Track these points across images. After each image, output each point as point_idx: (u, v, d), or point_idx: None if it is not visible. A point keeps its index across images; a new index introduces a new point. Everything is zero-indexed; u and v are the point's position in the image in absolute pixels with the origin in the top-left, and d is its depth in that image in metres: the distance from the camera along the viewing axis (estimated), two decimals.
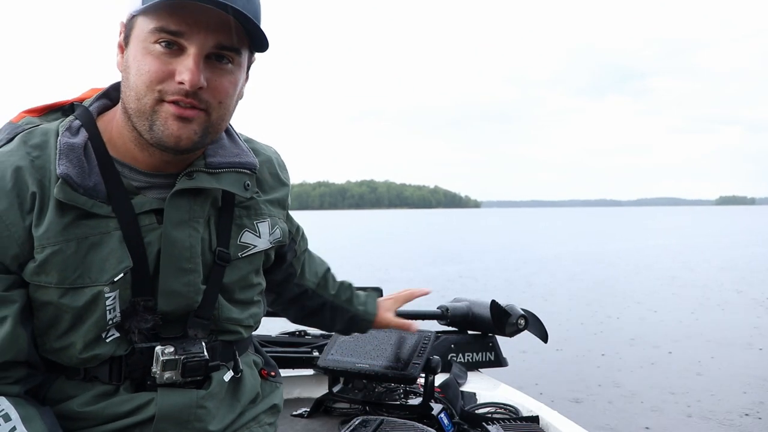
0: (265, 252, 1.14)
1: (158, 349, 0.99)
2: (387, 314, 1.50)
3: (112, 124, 1.00)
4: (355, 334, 1.76)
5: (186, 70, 0.90)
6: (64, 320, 0.95)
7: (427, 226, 57.50)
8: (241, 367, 1.13)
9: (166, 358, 0.99)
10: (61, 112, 1.06)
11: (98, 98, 1.04)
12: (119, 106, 0.99)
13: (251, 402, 1.16)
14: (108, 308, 0.96)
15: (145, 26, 0.91)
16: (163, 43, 0.90)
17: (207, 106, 0.94)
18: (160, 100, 0.92)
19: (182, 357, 1.00)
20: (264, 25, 0.96)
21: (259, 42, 0.96)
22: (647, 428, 4.59)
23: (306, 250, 1.36)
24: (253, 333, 1.21)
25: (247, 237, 1.09)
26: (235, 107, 1.01)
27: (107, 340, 0.98)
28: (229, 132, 1.11)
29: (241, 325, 1.11)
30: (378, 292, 2.09)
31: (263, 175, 1.15)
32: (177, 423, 1.01)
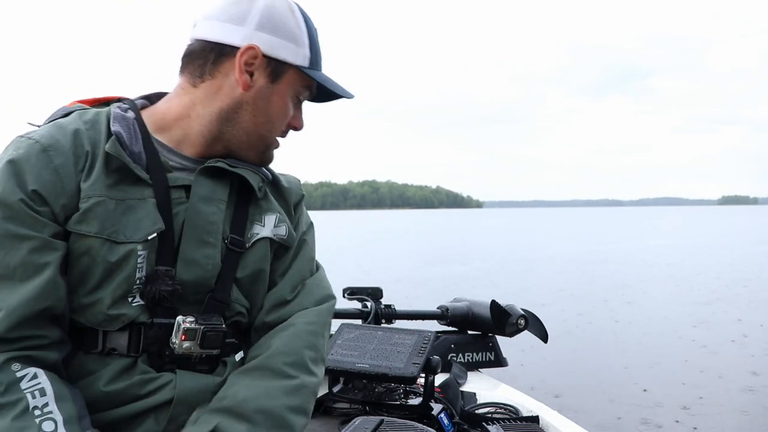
0: (270, 243, 1.17)
1: (180, 318, 1.04)
2: None
3: (157, 113, 1.15)
4: (356, 333, 1.76)
5: (301, 118, 1.21)
6: (95, 274, 1.01)
7: (429, 226, 57.54)
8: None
9: (187, 326, 1.03)
10: (106, 105, 1.18)
11: (140, 98, 1.19)
12: (206, 107, 1.13)
13: None
14: (138, 266, 1.02)
15: (299, 80, 1.16)
16: (301, 97, 1.18)
17: None
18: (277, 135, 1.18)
19: (202, 327, 1.05)
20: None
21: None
22: (648, 428, 4.59)
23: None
24: None
25: (255, 228, 1.16)
26: None
27: (133, 304, 1.03)
28: None
29: (250, 313, 1.16)
30: (378, 291, 2.10)
31: (285, 196, 1.25)
32: (191, 408, 1.04)
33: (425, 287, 11.99)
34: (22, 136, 1.04)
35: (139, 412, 1.02)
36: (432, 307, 2.18)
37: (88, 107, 1.14)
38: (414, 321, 2.11)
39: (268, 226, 1.18)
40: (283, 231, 1.20)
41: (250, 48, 1.10)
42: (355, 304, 2.11)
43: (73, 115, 1.10)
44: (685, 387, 5.64)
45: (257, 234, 1.15)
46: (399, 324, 2.04)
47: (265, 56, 1.11)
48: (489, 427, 1.60)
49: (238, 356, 1.14)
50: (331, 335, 1.95)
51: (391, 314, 2.04)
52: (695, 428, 4.59)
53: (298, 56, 1.13)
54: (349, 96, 1.21)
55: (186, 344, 1.03)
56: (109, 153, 1.03)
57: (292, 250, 1.22)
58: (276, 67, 1.13)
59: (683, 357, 6.77)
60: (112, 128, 1.05)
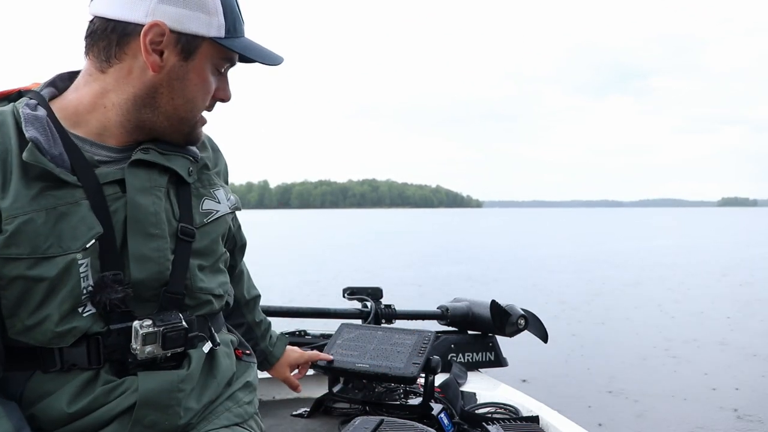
0: (227, 218, 1.19)
1: (136, 323, 0.99)
2: (285, 367, 1.61)
3: (69, 106, 1.05)
4: (356, 333, 1.76)
5: (228, 89, 1.13)
6: (36, 293, 0.94)
7: (429, 225, 57.52)
8: (218, 340, 1.13)
9: (145, 331, 0.99)
10: (7, 100, 1.07)
11: (45, 86, 1.08)
12: (115, 93, 1.03)
13: (228, 383, 1.16)
14: (82, 276, 0.96)
15: (216, 52, 1.06)
16: (222, 69, 1.10)
17: None
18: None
19: (161, 328, 1.00)
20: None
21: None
22: (648, 428, 4.59)
23: (244, 245, 1.41)
24: None
25: (208, 204, 1.15)
26: None
27: (84, 315, 0.97)
28: None
29: (213, 294, 1.13)
30: (378, 291, 2.10)
31: (206, 152, 1.22)
32: (157, 408, 1.00)
33: (425, 287, 11.98)
34: None
35: (102, 421, 0.98)
36: (432, 307, 2.18)
37: (26, 109, 1.02)
38: (414, 321, 2.11)
39: (224, 202, 1.18)
40: (234, 199, 1.22)
41: (155, 25, 0.99)
42: (355, 304, 2.11)
43: None
44: (686, 387, 5.64)
45: (216, 212, 1.15)
46: (399, 324, 2.04)
47: (173, 32, 1.00)
48: (489, 427, 1.60)
49: (206, 347, 1.09)
50: (331, 335, 1.95)
51: (391, 314, 2.04)
52: (700, 428, 4.59)
53: (212, 27, 1.02)
54: (276, 62, 1.09)
55: (148, 348, 0.99)
56: (27, 161, 0.94)
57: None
58: (187, 42, 1.02)
59: (685, 357, 6.77)
60: (27, 134, 0.95)
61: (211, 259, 1.13)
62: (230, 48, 1.05)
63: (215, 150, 1.26)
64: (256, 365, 1.31)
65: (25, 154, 0.94)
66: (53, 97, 1.07)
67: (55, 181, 0.96)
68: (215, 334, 1.14)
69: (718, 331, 8.20)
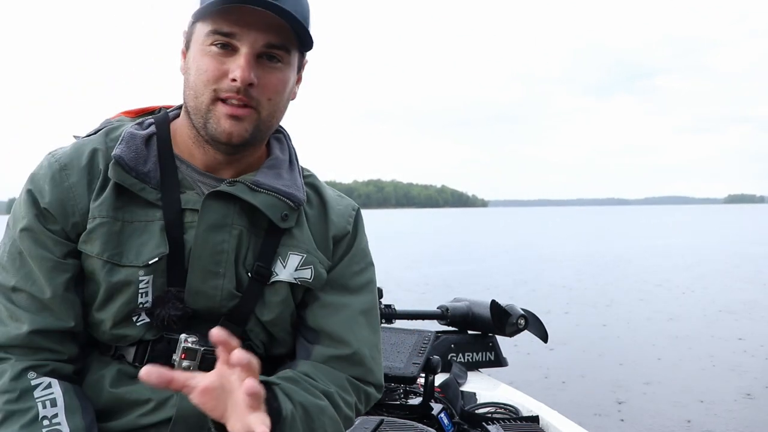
0: (290, 287, 1.07)
1: (182, 336, 1.01)
2: None
3: (177, 128, 1.09)
4: None
5: (238, 68, 0.96)
6: (98, 295, 1.00)
7: (434, 225, 57.47)
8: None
9: (187, 345, 1.00)
10: (152, 115, 1.13)
11: (180, 106, 1.10)
12: (183, 107, 1.06)
13: None
14: (141, 291, 1.00)
15: (202, 30, 0.99)
16: (218, 45, 0.97)
17: (257, 104, 0.99)
18: (215, 99, 0.98)
19: (203, 347, 1.00)
20: (313, 26, 1.03)
21: (306, 42, 1.01)
22: (648, 428, 4.57)
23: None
24: None
25: (276, 266, 1.06)
26: (286, 107, 1.06)
27: (137, 324, 1.01)
28: (292, 163, 1.13)
29: (266, 347, 1.09)
30: (378, 291, 2.10)
31: (327, 224, 1.12)
32: (191, 428, 1.00)
33: (425, 287, 11.97)
34: (50, 153, 1.05)
35: (141, 427, 1.01)
36: (432, 307, 2.18)
37: (128, 120, 1.10)
38: (414, 321, 2.11)
39: (290, 268, 1.06)
40: (307, 274, 1.07)
41: (183, 33, 1.04)
42: None
43: (100, 132, 1.07)
44: (688, 387, 5.62)
45: (276, 275, 1.06)
46: (399, 324, 2.05)
47: (186, 32, 1.03)
48: (489, 427, 1.60)
49: None
50: None
51: (391, 314, 2.04)
52: (696, 429, 4.58)
53: (196, 9, 1.00)
54: None
55: (185, 363, 0.99)
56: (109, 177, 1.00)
57: (331, 295, 1.09)
58: (189, 34, 1.03)
59: (688, 357, 6.74)
60: (114, 151, 1.01)
61: (270, 320, 1.06)
62: (201, 15, 0.97)
63: (353, 232, 1.14)
64: None
65: (109, 171, 1.01)
66: (179, 116, 1.09)
67: (137, 198, 1.01)
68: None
69: (728, 329, 8.16)
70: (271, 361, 1.11)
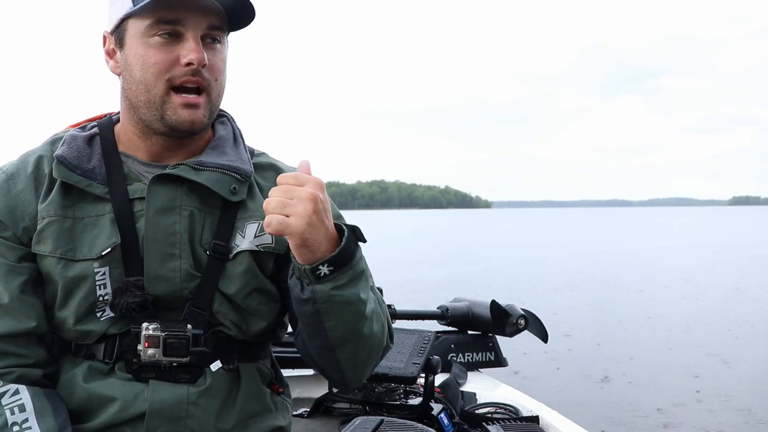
0: (254, 255, 1.08)
1: (144, 324, 1.02)
2: None
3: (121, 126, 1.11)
4: None
5: (191, 51, 0.99)
6: (57, 293, 1.03)
7: (437, 226, 57.46)
8: (235, 364, 1.09)
9: (148, 333, 1.01)
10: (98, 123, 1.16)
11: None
12: (121, 104, 1.09)
13: (254, 415, 1.10)
14: (98, 284, 1.02)
15: (140, 24, 1.00)
16: (163, 35, 1.00)
17: (208, 84, 1.03)
18: (169, 90, 1.01)
19: (164, 333, 1.02)
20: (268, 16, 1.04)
21: (237, 20, 1.05)
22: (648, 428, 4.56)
23: None
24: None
25: (237, 238, 1.08)
26: (225, 86, 1.10)
27: (101, 319, 1.03)
28: (237, 140, 1.15)
29: (238, 327, 1.08)
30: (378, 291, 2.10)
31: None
32: (169, 420, 1.01)
33: (425, 287, 11.97)
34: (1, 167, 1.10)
35: (117, 423, 1.01)
36: (432, 307, 2.18)
37: (74, 131, 1.11)
38: (414, 321, 2.11)
39: (248, 237, 1.07)
40: (268, 239, 1.08)
41: (103, 36, 1.08)
42: None
43: (45, 141, 1.12)
44: (690, 388, 5.60)
45: (237, 246, 1.07)
46: (399, 324, 2.04)
47: (112, 33, 1.06)
48: (489, 427, 1.60)
49: (214, 366, 1.06)
50: None
51: (391, 314, 2.04)
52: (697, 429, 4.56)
53: (125, 5, 1.01)
54: None
55: (150, 351, 1.01)
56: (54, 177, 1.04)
57: None
58: (119, 33, 1.04)
59: (690, 358, 6.73)
60: (56, 152, 1.05)
61: (237, 295, 1.07)
62: (139, 10, 0.99)
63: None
64: (291, 407, 1.22)
65: (53, 171, 1.04)
66: None
67: (86, 194, 1.04)
68: (235, 358, 1.09)
69: (731, 332, 8.13)
70: (250, 345, 1.11)
